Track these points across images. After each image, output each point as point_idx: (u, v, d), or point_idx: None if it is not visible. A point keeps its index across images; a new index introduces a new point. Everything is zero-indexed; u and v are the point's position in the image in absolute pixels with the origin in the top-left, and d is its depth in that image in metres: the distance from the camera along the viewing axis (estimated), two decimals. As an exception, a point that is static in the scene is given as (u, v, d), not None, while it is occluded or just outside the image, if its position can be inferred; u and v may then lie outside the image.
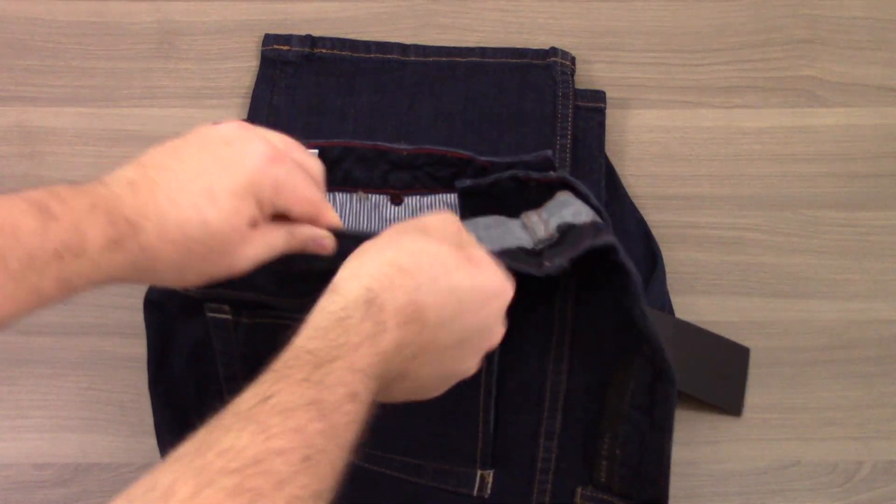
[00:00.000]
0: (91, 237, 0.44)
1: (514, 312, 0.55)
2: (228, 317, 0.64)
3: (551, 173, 0.66)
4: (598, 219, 0.61)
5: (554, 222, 0.62)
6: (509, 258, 0.57)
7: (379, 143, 0.69)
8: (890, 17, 0.84)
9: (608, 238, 0.58)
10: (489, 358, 0.66)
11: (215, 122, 0.52)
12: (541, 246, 0.60)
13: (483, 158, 0.69)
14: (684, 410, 0.71)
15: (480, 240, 0.59)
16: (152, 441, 0.70)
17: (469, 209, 0.69)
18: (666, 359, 0.62)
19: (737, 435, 0.72)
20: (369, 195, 0.71)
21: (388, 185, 0.70)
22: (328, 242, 0.54)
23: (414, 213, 0.71)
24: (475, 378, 0.66)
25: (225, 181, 0.48)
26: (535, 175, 0.65)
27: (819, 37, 0.83)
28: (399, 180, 0.70)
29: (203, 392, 0.69)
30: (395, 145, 0.69)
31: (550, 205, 0.64)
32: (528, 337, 0.64)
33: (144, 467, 0.70)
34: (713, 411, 0.72)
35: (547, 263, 0.57)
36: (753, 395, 0.72)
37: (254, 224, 0.50)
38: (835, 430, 0.72)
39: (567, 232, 0.60)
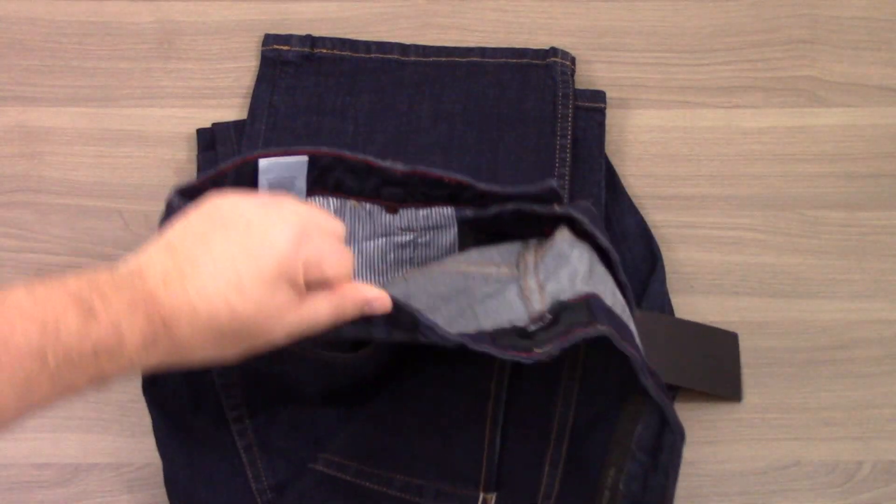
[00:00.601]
0: (129, 338, 0.45)
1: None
2: None
3: (556, 208, 0.64)
4: (592, 289, 0.60)
5: (550, 291, 0.61)
6: (498, 343, 0.57)
7: (370, 158, 0.65)
8: (890, 17, 0.84)
9: (601, 329, 0.57)
10: (498, 383, 0.66)
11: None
12: (533, 328, 0.59)
13: (482, 186, 0.65)
14: (684, 411, 0.71)
15: (475, 314, 0.61)
16: (152, 441, 0.70)
17: (468, 237, 0.68)
18: (673, 415, 0.60)
19: (737, 435, 0.72)
20: (364, 204, 0.69)
21: (380, 197, 0.68)
22: (385, 301, 0.54)
23: (410, 223, 0.69)
24: (482, 401, 0.66)
25: (253, 270, 0.48)
26: (539, 210, 0.63)
27: (819, 37, 0.83)
28: (392, 195, 0.67)
29: (199, 399, 0.68)
30: (388, 164, 0.65)
31: (548, 258, 0.63)
32: (537, 368, 0.62)
33: (144, 467, 0.70)
34: (713, 411, 0.72)
35: (537, 350, 0.57)
36: (753, 395, 0.72)
37: (290, 302, 0.50)
38: (835, 430, 0.72)
39: (560, 313, 0.59)
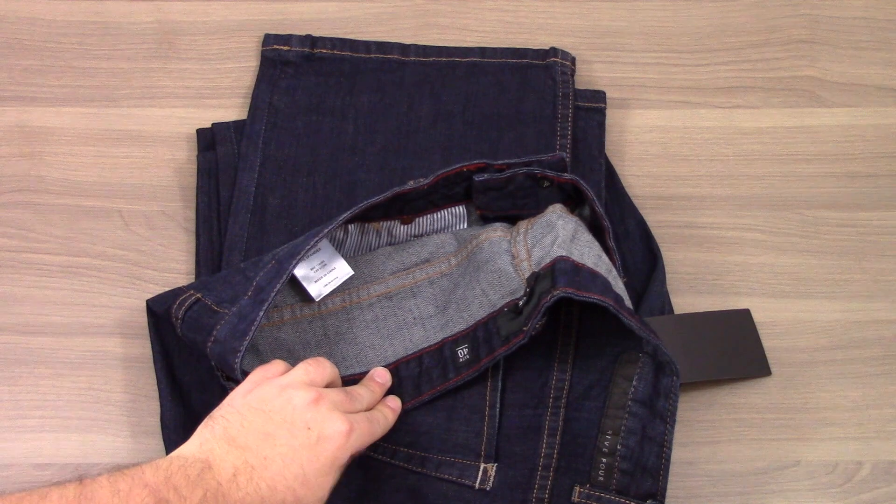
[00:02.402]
0: None
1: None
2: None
3: (564, 174, 0.69)
4: (566, 253, 0.65)
5: (535, 258, 0.67)
6: (500, 335, 0.66)
7: (397, 189, 0.69)
8: (890, 17, 0.84)
9: (556, 294, 0.62)
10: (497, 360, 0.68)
11: (283, 372, 0.62)
12: (521, 303, 0.66)
13: (499, 162, 0.70)
14: (684, 411, 0.71)
15: (480, 303, 0.68)
16: (152, 441, 0.70)
17: (482, 206, 0.72)
18: (666, 353, 0.64)
19: (737, 435, 0.72)
20: (382, 223, 0.73)
21: (402, 213, 0.72)
22: (395, 406, 0.67)
23: (423, 230, 0.74)
24: (482, 375, 0.67)
25: (314, 464, 0.57)
26: (549, 173, 0.69)
27: (819, 37, 0.83)
28: (413, 208, 0.72)
29: (207, 392, 0.69)
30: (412, 184, 0.69)
31: (537, 227, 0.69)
32: (534, 337, 0.65)
33: (144, 467, 0.70)
34: (713, 411, 0.72)
35: (524, 329, 0.64)
36: (753, 395, 0.72)
37: (338, 478, 0.60)
38: (835, 430, 0.72)
39: (535, 285, 0.65)
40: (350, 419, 0.60)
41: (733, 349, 0.72)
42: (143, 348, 0.72)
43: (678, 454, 0.70)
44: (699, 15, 0.84)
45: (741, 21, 0.83)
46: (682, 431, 0.71)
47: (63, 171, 0.78)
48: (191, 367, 0.70)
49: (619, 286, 0.67)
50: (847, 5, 0.84)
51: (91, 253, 0.75)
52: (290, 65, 0.80)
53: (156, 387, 0.70)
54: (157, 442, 0.70)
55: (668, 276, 0.74)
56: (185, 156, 0.78)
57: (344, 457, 0.59)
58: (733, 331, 0.73)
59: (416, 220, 0.73)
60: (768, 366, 0.72)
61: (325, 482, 0.58)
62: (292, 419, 0.58)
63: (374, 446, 0.66)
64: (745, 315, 0.73)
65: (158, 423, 0.70)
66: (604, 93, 0.79)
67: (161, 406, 0.70)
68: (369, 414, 0.63)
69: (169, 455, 0.56)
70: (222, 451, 0.56)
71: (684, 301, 0.74)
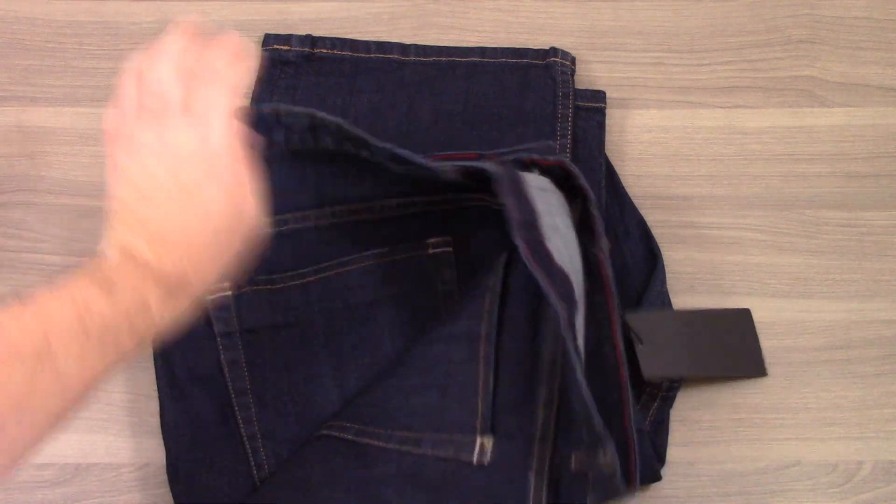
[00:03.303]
0: (152, 296, 0.51)
1: (505, 279, 0.60)
2: (228, 293, 0.70)
3: (550, 157, 0.69)
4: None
5: None
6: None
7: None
8: (890, 17, 0.84)
9: (521, 243, 0.61)
10: (488, 323, 0.67)
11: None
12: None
13: (490, 152, 0.70)
14: (685, 411, 0.71)
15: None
16: (152, 441, 0.70)
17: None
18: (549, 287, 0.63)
19: (737, 435, 0.72)
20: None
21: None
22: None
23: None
24: (473, 343, 0.67)
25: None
26: (536, 157, 0.68)
27: (819, 37, 0.83)
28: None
29: (208, 383, 0.70)
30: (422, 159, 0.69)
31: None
32: (518, 302, 0.64)
33: (144, 467, 0.70)
34: (713, 411, 0.72)
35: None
36: (753, 395, 0.72)
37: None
38: (835, 430, 0.72)
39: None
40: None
41: (731, 348, 0.72)
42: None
43: (679, 454, 0.70)
44: (699, 15, 0.84)
45: (741, 21, 0.83)
46: (682, 431, 0.71)
47: (63, 171, 0.78)
48: (191, 365, 0.70)
49: (563, 247, 0.66)
50: (847, 5, 0.84)
51: (91, 253, 0.75)
52: (290, 65, 0.80)
53: (156, 387, 0.70)
54: (157, 442, 0.70)
55: (668, 275, 0.74)
56: (185, 156, 0.78)
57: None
58: (732, 329, 0.73)
59: None
60: (765, 367, 0.72)
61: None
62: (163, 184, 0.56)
63: (369, 433, 0.66)
64: (745, 315, 0.73)
65: (158, 423, 0.70)
66: (604, 93, 0.79)
67: (161, 406, 0.70)
68: None
69: None
70: (129, 238, 0.55)
71: (684, 301, 0.74)
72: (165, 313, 0.52)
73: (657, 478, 0.69)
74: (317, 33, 0.81)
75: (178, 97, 0.55)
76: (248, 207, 0.55)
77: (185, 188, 0.54)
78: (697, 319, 0.72)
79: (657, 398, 0.71)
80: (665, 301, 0.73)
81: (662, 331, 0.66)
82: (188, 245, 0.53)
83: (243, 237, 0.56)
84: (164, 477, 0.69)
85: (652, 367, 0.69)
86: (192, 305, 0.54)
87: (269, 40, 0.80)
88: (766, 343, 0.73)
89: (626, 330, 0.69)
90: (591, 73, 0.81)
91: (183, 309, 0.54)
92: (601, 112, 0.79)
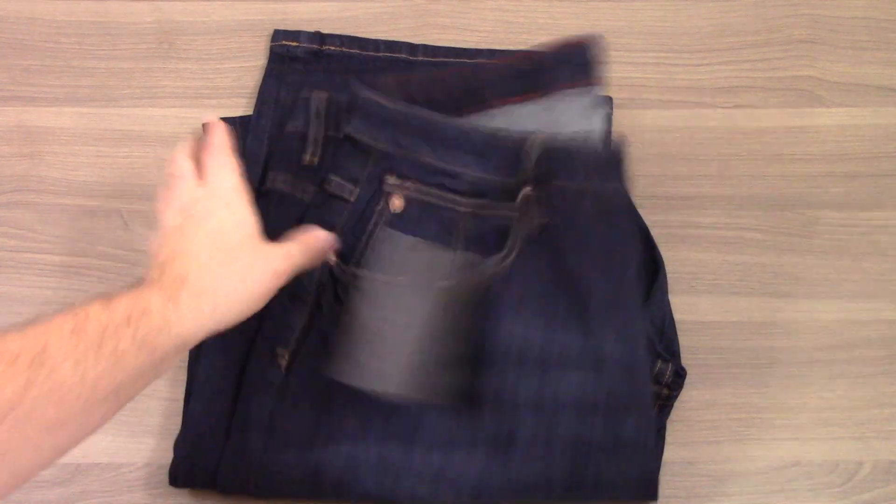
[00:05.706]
0: (154, 301, 0.54)
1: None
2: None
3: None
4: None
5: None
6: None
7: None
8: (890, 17, 0.84)
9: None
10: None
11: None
12: None
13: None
14: (684, 410, 0.71)
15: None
16: (152, 441, 0.70)
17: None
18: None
19: (736, 435, 0.72)
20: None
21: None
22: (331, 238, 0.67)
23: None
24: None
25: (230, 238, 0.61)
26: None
27: (819, 37, 0.83)
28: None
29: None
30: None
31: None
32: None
33: (144, 467, 0.70)
34: (713, 411, 0.72)
35: None
36: (753, 395, 0.72)
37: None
38: (835, 430, 0.72)
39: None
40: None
41: None
42: (143, 348, 0.72)
43: (679, 454, 0.70)
44: (699, 15, 0.84)
45: (741, 21, 0.83)
46: (683, 431, 0.71)
47: (63, 171, 0.78)
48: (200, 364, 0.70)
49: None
50: (847, 5, 0.84)
51: (91, 253, 0.75)
52: (298, 61, 0.80)
53: (155, 386, 0.70)
54: (157, 442, 0.70)
55: (668, 275, 0.74)
56: (185, 156, 0.78)
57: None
58: None
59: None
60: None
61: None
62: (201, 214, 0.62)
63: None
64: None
65: (158, 424, 0.70)
66: (610, 98, 0.79)
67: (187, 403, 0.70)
68: None
69: None
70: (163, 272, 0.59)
71: (684, 301, 0.74)
72: (174, 319, 0.54)
73: (654, 497, 0.68)
74: (318, 33, 0.81)
75: (190, 170, 0.62)
76: (248, 220, 0.61)
77: (194, 215, 0.60)
78: None
79: (654, 406, 0.70)
80: (666, 309, 0.73)
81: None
82: (190, 252, 0.57)
83: (248, 243, 0.60)
84: (164, 477, 0.69)
85: None
86: (219, 312, 0.56)
87: (278, 36, 0.80)
88: (766, 343, 0.73)
89: None
90: (591, 73, 0.81)
91: (203, 315, 0.55)
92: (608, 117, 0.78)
